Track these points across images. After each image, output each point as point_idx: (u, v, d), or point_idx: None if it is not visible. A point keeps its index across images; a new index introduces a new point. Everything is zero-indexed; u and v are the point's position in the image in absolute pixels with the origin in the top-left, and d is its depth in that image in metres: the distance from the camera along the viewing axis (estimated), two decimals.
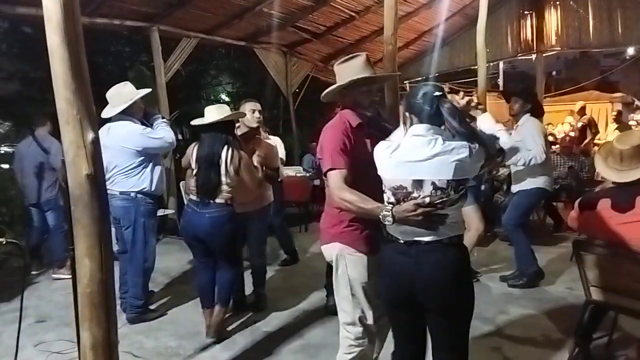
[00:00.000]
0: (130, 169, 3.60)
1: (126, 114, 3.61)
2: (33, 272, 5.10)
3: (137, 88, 3.75)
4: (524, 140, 4.03)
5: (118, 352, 2.04)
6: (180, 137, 10.52)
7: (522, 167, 4.15)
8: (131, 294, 3.74)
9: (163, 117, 3.94)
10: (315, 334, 3.44)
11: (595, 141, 9.20)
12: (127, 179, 3.60)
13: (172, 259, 5.55)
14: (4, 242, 2.15)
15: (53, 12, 1.80)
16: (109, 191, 3.42)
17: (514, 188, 4.41)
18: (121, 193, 3.59)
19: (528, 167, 4.13)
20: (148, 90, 3.85)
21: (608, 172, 2.66)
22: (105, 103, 3.64)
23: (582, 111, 9.99)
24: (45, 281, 4.89)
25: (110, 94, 3.65)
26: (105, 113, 3.59)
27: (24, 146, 5.23)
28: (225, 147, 3.26)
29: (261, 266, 4.09)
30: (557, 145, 7.70)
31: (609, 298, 2.65)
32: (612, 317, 2.95)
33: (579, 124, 9.64)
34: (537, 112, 4.34)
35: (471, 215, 4.17)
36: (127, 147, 3.57)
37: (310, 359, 3.15)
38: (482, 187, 5.35)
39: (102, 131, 3.47)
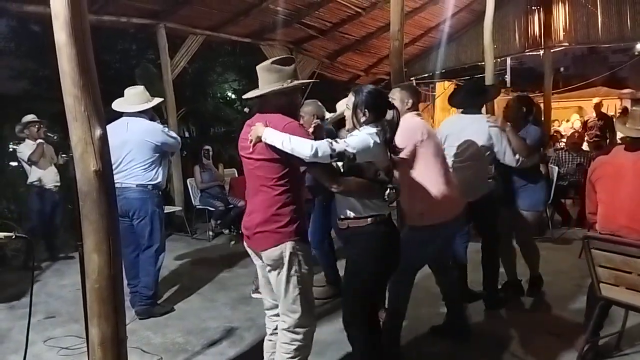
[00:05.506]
0: (149, 163, 3.79)
1: (143, 113, 3.86)
2: None
3: (144, 85, 4.07)
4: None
5: (126, 347, 2.05)
6: (187, 134, 10.53)
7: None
8: (143, 284, 3.83)
9: (163, 124, 4.18)
10: (322, 331, 3.42)
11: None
12: (146, 172, 3.78)
13: (178, 256, 5.59)
14: (13, 237, 2.17)
15: (60, 9, 1.80)
16: (123, 184, 3.59)
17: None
18: (138, 185, 3.74)
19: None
20: (162, 99, 4.28)
21: (627, 130, 2.82)
22: (112, 100, 3.73)
23: (598, 107, 9.88)
24: (54, 278, 4.93)
25: (130, 91, 3.86)
26: (124, 108, 3.80)
27: None
28: None
29: None
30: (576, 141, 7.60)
31: (619, 295, 2.65)
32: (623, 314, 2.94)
33: (600, 122, 9.54)
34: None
35: None
36: (150, 141, 3.78)
37: (317, 356, 3.14)
38: None
39: (121, 126, 3.71)
